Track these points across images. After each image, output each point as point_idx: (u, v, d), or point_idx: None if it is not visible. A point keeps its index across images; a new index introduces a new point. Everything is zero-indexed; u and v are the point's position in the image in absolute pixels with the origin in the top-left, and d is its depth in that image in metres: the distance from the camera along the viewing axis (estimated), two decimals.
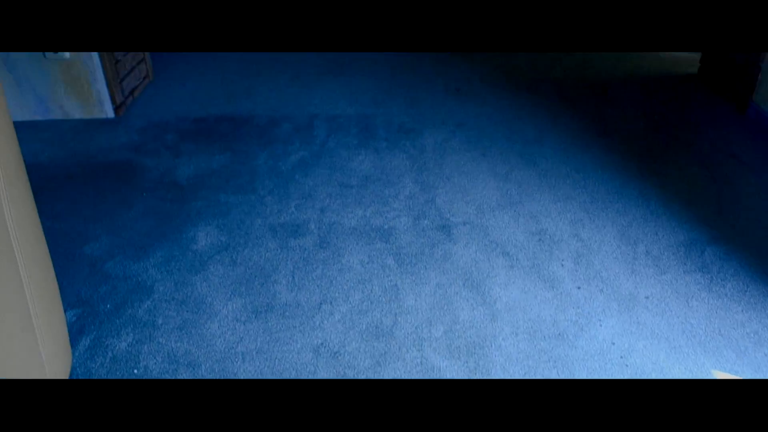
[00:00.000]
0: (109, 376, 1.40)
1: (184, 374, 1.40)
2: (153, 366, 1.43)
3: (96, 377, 1.41)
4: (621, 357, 1.46)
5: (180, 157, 2.28)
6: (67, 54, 2.46)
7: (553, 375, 1.41)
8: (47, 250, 1.34)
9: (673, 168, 2.24)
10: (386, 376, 1.40)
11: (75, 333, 1.53)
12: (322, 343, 1.49)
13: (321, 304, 1.62)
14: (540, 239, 1.86)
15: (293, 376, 1.40)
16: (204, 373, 1.41)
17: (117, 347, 1.48)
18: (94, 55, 2.47)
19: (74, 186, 2.14)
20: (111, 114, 2.59)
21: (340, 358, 1.45)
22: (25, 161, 2.30)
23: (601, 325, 1.56)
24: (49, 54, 2.46)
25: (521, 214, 1.97)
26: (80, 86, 2.53)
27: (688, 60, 3.16)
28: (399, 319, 1.57)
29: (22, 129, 2.50)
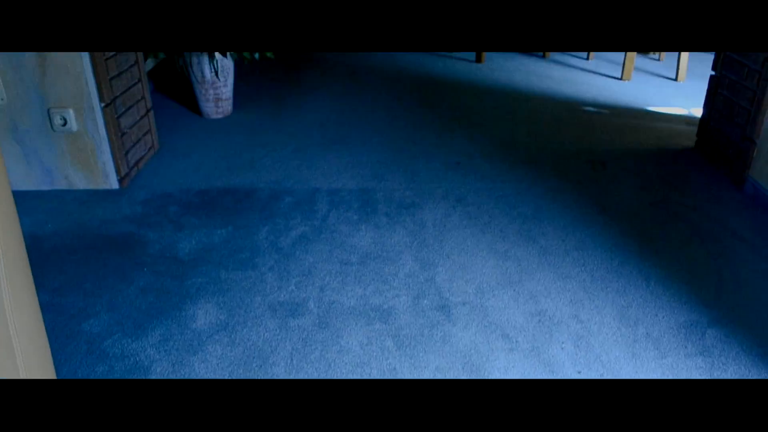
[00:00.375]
0: None
1: None
2: None
3: None
4: None
5: (182, 231, 2.30)
6: (74, 126, 2.51)
7: None
8: (44, 329, 1.34)
9: (672, 245, 2.25)
10: None
11: None
12: None
13: None
14: (540, 320, 1.86)
15: None
16: None
17: None
18: (101, 127, 2.52)
19: (76, 259, 2.15)
20: (115, 185, 2.62)
21: None
22: (29, 232, 2.34)
23: None
24: (57, 126, 2.51)
25: (521, 293, 1.97)
26: (86, 158, 2.58)
27: (686, 133, 3.21)
28: None
29: (27, 199, 2.54)
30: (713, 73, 2.91)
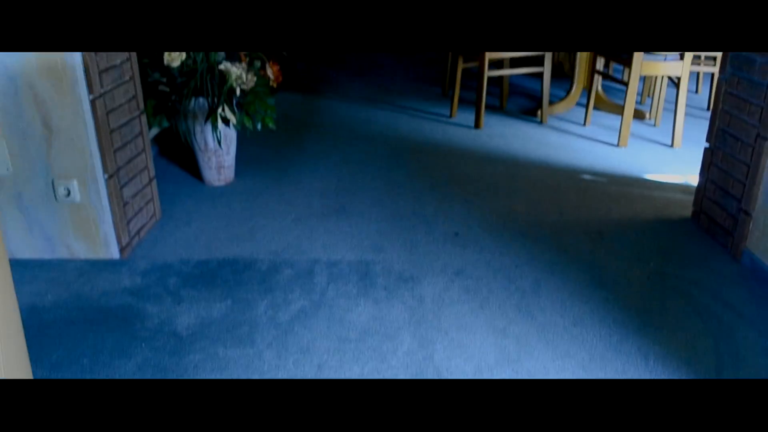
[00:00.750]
0: None
1: None
2: None
3: None
4: None
5: (181, 304, 2.31)
6: (78, 197, 2.54)
7: None
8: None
9: (671, 320, 2.25)
10: None
11: None
12: None
13: None
14: None
15: None
16: None
17: None
18: (104, 198, 2.56)
19: (75, 332, 2.16)
20: (116, 255, 2.64)
21: None
22: (28, 303, 2.34)
23: None
24: (60, 197, 2.54)
25: (519, 373, 1.96)
26: (88, 228, 2.60)
27: (682, 202, 3.24)
28: None
29: (28, 267, 2.55)
30: (707, 145, 2.96)
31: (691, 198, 3.17)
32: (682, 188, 3.44)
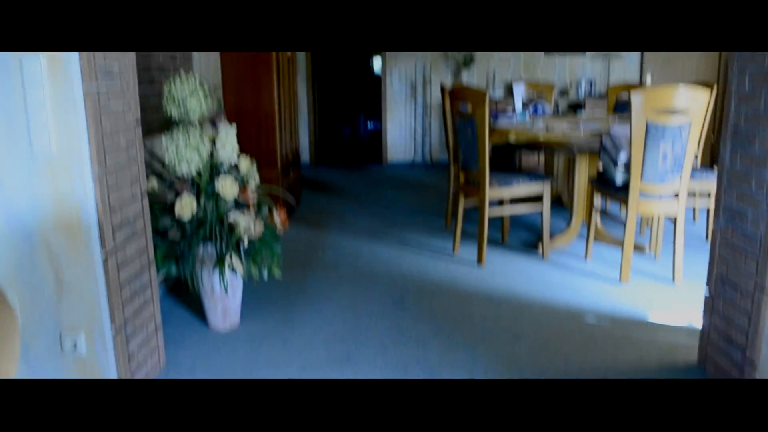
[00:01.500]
0: None
1: None
2: None
3: None
4: None
5: None
6: (84, 350, 2.56)
7: None
8: None
9: None
10: None
11: None
12: None
13: None
14: None
15: None
16: None
17: None
18: (110, 351, 2.57)
19: None
20: None
21: None
22: None
23: None
24: (67, 350, 2.56)
25: None
26: None
27: (688, 346, 3.23)
28: None
29: None
30: (707, 290, 2.99)
31: (696, 341, 3.17)
32: (687, 331, 3.43)
